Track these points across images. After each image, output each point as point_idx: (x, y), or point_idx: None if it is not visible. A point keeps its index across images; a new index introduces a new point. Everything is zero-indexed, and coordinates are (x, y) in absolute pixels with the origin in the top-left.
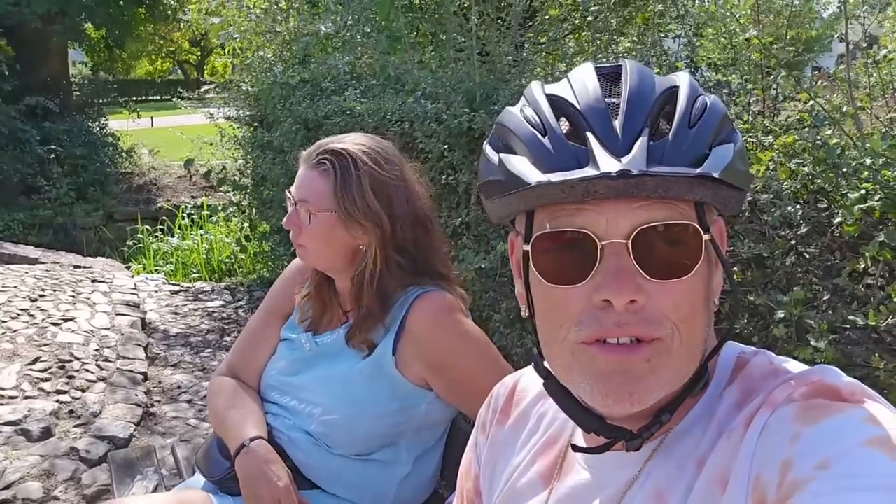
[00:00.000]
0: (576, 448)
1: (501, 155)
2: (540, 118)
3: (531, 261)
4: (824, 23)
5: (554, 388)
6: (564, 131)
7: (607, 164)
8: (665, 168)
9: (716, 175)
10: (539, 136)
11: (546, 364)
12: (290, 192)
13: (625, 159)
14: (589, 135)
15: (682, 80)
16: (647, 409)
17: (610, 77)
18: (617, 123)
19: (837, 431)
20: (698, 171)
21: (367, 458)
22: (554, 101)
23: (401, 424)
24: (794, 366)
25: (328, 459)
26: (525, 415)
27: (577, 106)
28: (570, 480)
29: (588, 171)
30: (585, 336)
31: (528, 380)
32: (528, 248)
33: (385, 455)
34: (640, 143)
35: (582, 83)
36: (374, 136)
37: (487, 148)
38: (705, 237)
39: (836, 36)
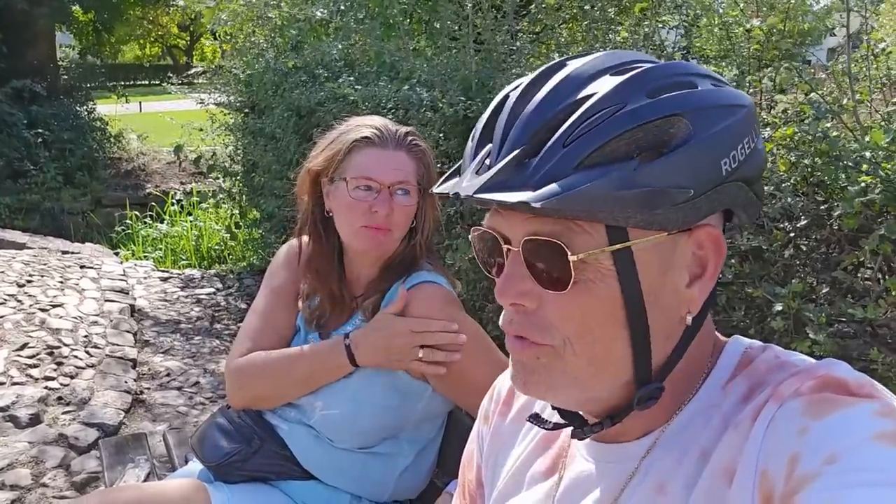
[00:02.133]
0: (529, 418)
1: None
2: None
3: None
4: (816, 16)
5: None
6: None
7: (452, 185)
8: (494, 195)
9: (535, 205)
10: (469, 142)
11: None
12: (372, 177)
13: (474, 179)
14: (475, 149)
15: (603, 87)
16: (598, 409)
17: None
18: (500, 140)
19: (846, 426)
20: (516, 199)
21: (368, 451)
22: (493, 108)
23: (402, 418)
24: (802, 360)
25: (329, 453)
26: (528, 406)
27: (484, 119)
28: (573, 472)
29: (446, 187)
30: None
31: None
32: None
33: (386, 448)
34: (502, 164)
35: (501, 94)
36: None
37: None
38: (571, 258)
39: (833, 29)
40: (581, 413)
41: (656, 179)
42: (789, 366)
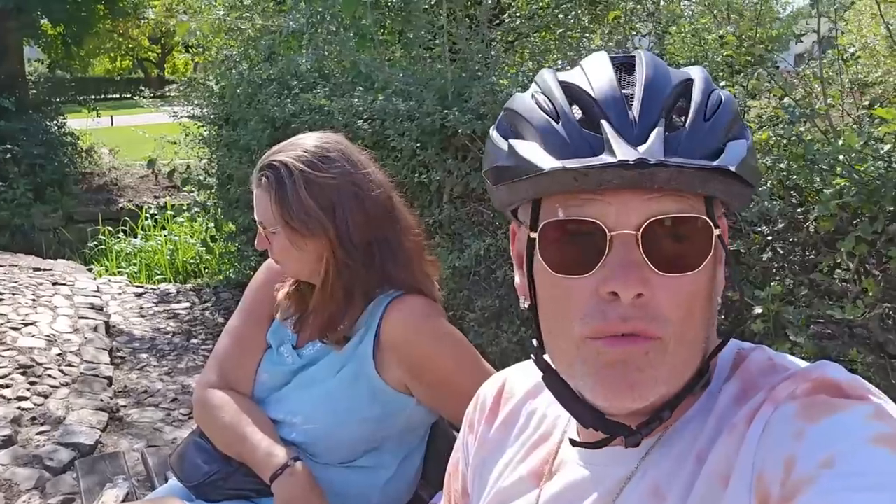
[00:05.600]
0: (574, 442)
1: (511, 140)
2: (553, 104)
3: (537, 249)
4: (783, 23)
5: (553, 381)
6: (577, 119)
7: (624, 152)
8: (682, 159)
9: (732, 168)
10: (552, 122)
11: (546, 356)
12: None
13: (641, 148)
14: (604, 123)
15: (697, 73)
16: (647, 407)
17: (623, 67)
18: (633, 113)
19: (841, 429)
20: (715, 163)
21: (350, 465)
22: (567, 87)
23: (383, 430)
24: (794, 361)
25: (310, 468)
26: (514, 413)
27: (592, 94)
28: (564, 477)
29: (604, 159)
30: (590, 331)
31: (516, 378)
32: (534, 235)
33: (368, 461)
34: (657, 133)
35: (597, 71)
36: (320, 133)
37: (494, 134)
38: (716, 232)
39: (801, 35)
40: (621, 421)
41: (756, 160)
42: (781, 368)
